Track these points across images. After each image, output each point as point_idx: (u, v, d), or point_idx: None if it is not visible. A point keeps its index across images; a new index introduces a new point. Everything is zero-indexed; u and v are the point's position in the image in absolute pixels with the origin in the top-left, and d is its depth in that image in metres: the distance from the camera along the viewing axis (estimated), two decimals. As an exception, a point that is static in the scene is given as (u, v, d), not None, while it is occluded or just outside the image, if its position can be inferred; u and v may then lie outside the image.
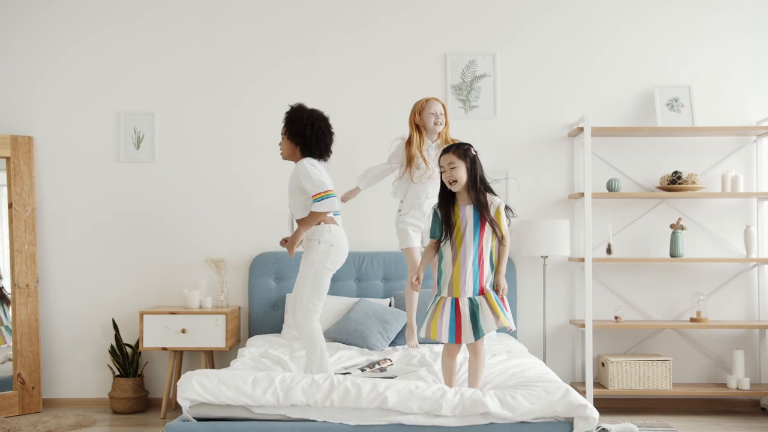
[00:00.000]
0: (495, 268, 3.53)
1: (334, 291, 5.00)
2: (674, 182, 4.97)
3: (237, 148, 5.24)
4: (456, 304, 3.45)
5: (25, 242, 5.03)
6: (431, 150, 4.20)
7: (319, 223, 3.77)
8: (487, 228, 3.49)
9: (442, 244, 3.53)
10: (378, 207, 5.09)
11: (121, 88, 5.26)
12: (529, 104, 5.24)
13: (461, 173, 3.48)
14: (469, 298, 3.44)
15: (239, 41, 5.26)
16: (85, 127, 5.26)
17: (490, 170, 5.05)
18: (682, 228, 5.00)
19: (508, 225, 3.57)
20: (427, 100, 4.23)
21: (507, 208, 3.59)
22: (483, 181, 3.53)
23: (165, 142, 5.25)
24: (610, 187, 5.04)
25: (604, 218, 5.15)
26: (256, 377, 3.26)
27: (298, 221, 3.82)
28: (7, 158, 5.03)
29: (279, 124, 5.18)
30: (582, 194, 4.96)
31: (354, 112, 5.18)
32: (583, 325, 4.90)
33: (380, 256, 5.12)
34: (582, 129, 4.96)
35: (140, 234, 5.23)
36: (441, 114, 4.21)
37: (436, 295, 3.53)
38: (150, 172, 5.25)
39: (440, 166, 3.55)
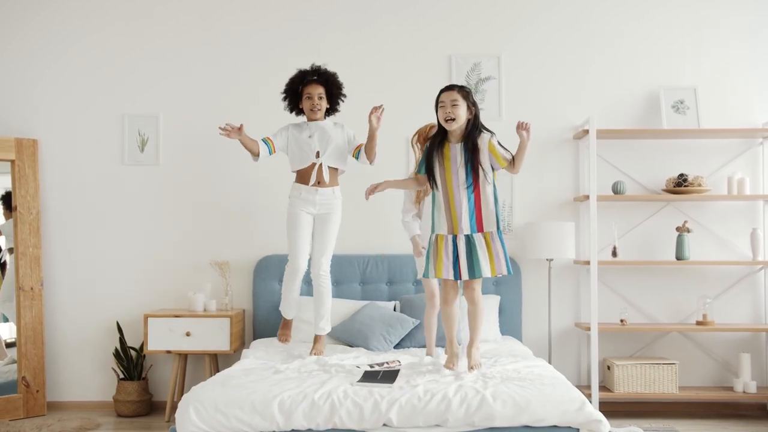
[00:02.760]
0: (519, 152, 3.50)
1: (338, 294, 4.99)
2: (680, 185, 4.96)
3: (241, 151, 5.21)
4: (455, 240, 3.44)
5: (29, 245, 5.03)
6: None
7: (338, 184, 4.16)
8: (486, 167, 3.46)
9: (432, 180, 3.54)
10: (380, 209, 5.08)
11: (126, 91, 5.26)
12: (534, 106, 5.23)
13: (461, 112, 3.47)
14: (467, 236, 3.43)
15: (244, 43, 5.26)
16: (89, 129, 5.26)
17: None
18: (688, 231, 4.98)
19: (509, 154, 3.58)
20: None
21: (499, 143, 3.59)
22: (481, 124, 3.52)
23: (169, 144, 5.25)
24: (616, 189, 5.02)
25: (609, 221, 5.14)
26: (254, 402, 3.21)
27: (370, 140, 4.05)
28: (12, 161, 5.03)
29: (282, 125, 5.21)
30: (587, 197, 4.95)
31: (358, 114, 5.15)
32: (589, 328, 4.88)
33: (385, 259, 5.10)
34: (587, 131, 4.95)
35: (145, 237, 5.22)
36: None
37: (434, 233, 3.53)
38: (154, 174, 5.24)
39: (440, 102, 3.52)
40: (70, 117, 5.26)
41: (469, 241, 3.46)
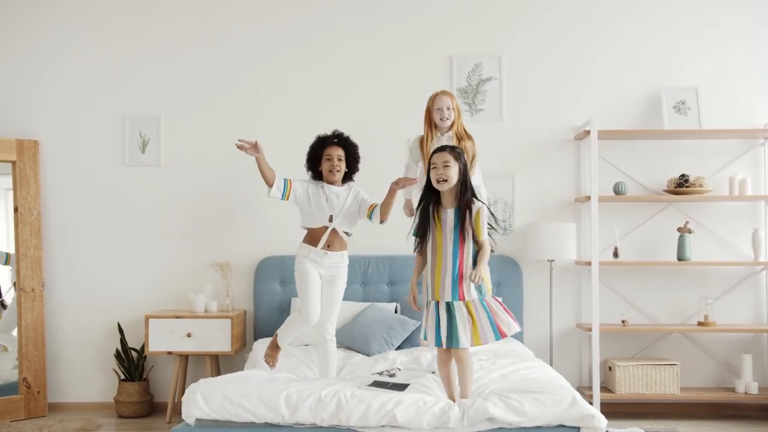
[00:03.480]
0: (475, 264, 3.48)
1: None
2: (681, 185, 4.95)
3: (242, 152, 5.22)
4: (438, 307, 3.45)
5: (30, 246, 5.03)
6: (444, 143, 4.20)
7: (346, 248, 4.14)
8: (468, 234, 3.46)
9: (424, 246, 3.54)
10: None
11: (127, 92, 5.27)
12: (535, 107, 5.22)
13: (453, 173, 3.48)
14: (447, 303, 3.43)
15: (245, 44, 5.26)
16: (90, 130, 5.26)
17: (495, 173, 5.12)
18: (690, 231, 4.98)
19: (490, 233, 3.58)
20: (435, 95, 4.28)
21: (493, 218, 3.60)
22: (471, 187, 3.52)
23: (171, 145, 5.25)
24: (617, 190, 5.02)
25: (610, 221, 5.13)
26: (261, 394, 3.23)
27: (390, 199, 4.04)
28: (13, 162, 5.03)
29: (284, 126, 5.21)
30: (588, 197, 4.94)
31: (360, 114, 5.17)
32: (590, 329, 4.88)
33: (386, 260, 5.10)
34: (588, 132, 4.94)
35: (146, 238, 5.22)
36: (448, 108, 4.24)
37: (428, 300, 3.53)
38: (156, 175, 5.24)
39: (432, 164, 3.52)
40: (71, 118, 5.26)
41: (449, 309, 3.45)
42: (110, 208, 5.24)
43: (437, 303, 3.46)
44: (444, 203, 3.53)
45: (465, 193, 3.49)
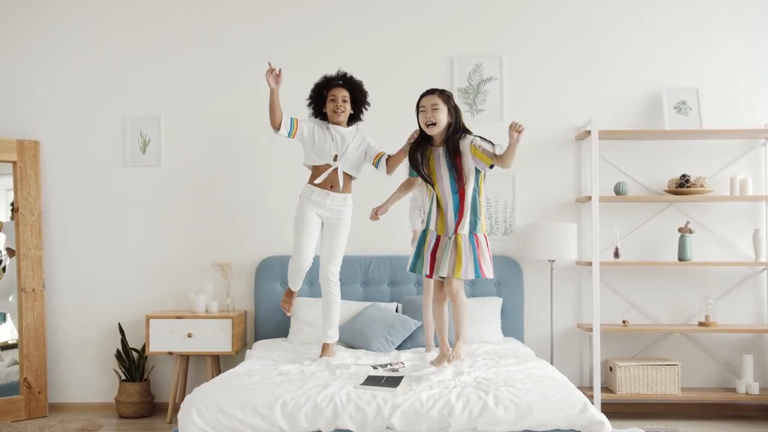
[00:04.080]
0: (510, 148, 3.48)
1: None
2: (682, 185, 4.95)
3: (243, 152, 5.23)
4: (437, 240, 3.47)
5: (31, 246, 5.03)
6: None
7: (350, 191, 4.17)
8: (467, 170, 3.47)
9: (423, 180, 3.64)
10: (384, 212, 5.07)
11: (127, 92, 5.27)
12: (536, 107, 5.22)
13: (442, 116, 3.48)
14: (449, 237, 3.47)
15: (245, 44, 5.26)
16: (91, 131, 5.26)
17: (496, 173, 5.09)
18: (691, 231, 4.98)
19: (493, 147, 3.60)
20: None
21: (483, 139, 3.59)
22: (463, 127, 3.52)
23: (171, 146, 5.25)
24: (618, 190, 5.01)
25: (611, 222, 5.13)
26: (256, 404, 3.20)
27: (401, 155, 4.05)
28: (14, 162, 5.04)
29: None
30: (589, 197, 4.94)
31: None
32: (591, 329, 4.88)
33: (387, 260, 5.10)
34: (589, 132, 4.94)
35: (146, 238, 5.22)
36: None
37: (425, 229, 3.58)
38: (156, 176, 5.24)
39: (420, 107, 3.53)
40: (72, 118, 5.26)
41: (448, 241, 3.50)
42: (111, 209, 5.24)
43: (437, 236, 3.50)
44: (434, 143, 3.55)
45: (454, 135, 3.49)
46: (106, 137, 5.26)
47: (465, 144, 3.52)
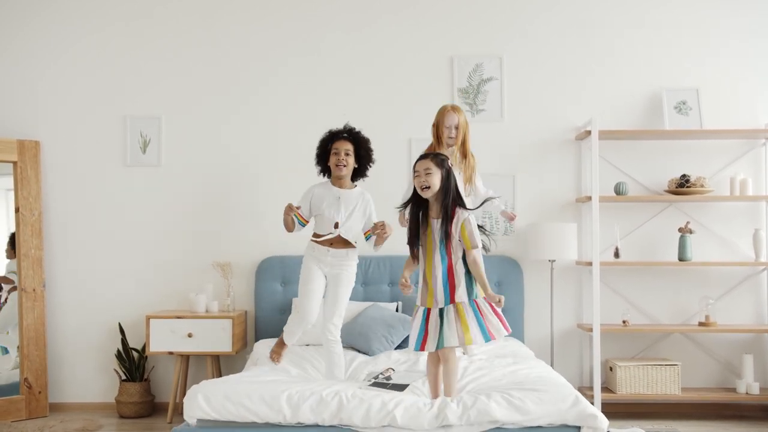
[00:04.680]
0: (479, 283, 3.51)
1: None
2: (682, 185, 4.95)
3: (243, 152, 5.24)
4: (427, 313, 3.47)
5: (31, 246, 5.04)
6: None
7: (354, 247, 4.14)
8: (455, 242, 3.49)
9: (416, 251, 3.59)
10: (384, 211, 5.07)
11: (127, 92, 5.27)
12: (536, 107, 5.22)
13: (435, 180, 3.49)
14: (440, 309, 3.46)
15: (246, 44, 5.26)
16: (91, 131, 5.26)
17: (497, 173, 5.12)
18: (691, 231, 4.98)
19: (483, 235, 3.60)
20: (446, 111, 4.20)
21: (481, 227, 3.61)
22: (456, 194, 3.52)
23: (171, 146, 5.25)
24: (618, 190, 5.02)
25: (611, 222, 5.13)
26: (262, 394, 3.23)
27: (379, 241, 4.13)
28: (14, 163, 5.04)
29: (285, 127, 5.20)
30: (589, 198, 4.94)
31: (361, 114, 5.15)
32: (591, 329, 4.88)
33: (387, 261, 5.11)
34: (589, 132, 4.94)
35: (147, 238, 5.23)
36: (455, 127, 4.18)
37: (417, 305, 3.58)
38: (156, 176, 5.25)
39: (415, 171, 3.55)
40: (72, 119, 5.26)
41: (441, 314, 3.48)
42: (111, 209, 5.24)
43: (426, 310, 3.49)
44: (431, 213, 3.55)
45: (446, 199, 3.50)
46: (106, 137, 5.26)
47: (458, 217, 3.51)
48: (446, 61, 5.24)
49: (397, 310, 4.87)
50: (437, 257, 3.49)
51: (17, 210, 5.01)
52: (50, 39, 5.28)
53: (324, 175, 4.27)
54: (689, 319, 5.16)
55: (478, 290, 3.50)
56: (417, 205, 3.59)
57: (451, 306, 3.45)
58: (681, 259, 4.97)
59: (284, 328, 4.27)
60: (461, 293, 3.47)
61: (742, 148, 5.19)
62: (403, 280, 3.59)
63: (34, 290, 5.03)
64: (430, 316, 3.48)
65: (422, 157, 3.58)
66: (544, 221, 5.14)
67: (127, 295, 5.21)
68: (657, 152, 5.20)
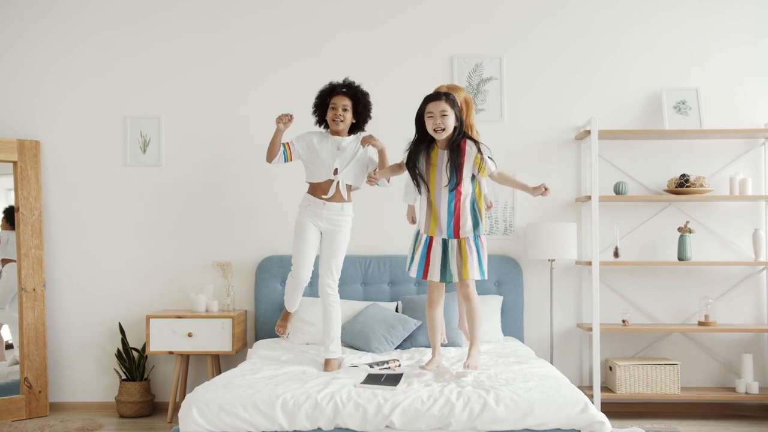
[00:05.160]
0: (521, 188, 3.69)
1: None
2: (682, 185, 4.95)
3: (243, 152, 5.24)
4: (430, 241, 3.50)
5: (32, 246, 5.04)
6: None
7: (350, 200, 4.10)
8: (466, 173, 3.51)
9: (416, 183, 3.65)
10: (384, 210, 5.08)
11: (128, 92, 5.27)
12: (535, 107, 5.23)
13: (450, 122, 3.54)
14: (443, 239, 3.49)
15: (245, 44, 5.26)
16: (91, 131, 5.26)
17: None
18: (690, 231, 4.98)
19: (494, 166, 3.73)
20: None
21: (489, 157, 3.68)
22: (468, 130, 3.59)
23: (171, 145, 5.25)
24: (618, 190, 5.02)
25: (611, 221, 5.13)
26: (256, 402, 3.21)
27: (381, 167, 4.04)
28: (14, 162, 5.04)
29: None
30: (589, 197, 4.95)
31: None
32: (591, 329, 4.88)
33: (387, 260, 5.11)
34: (589, 132, 4.95)
35: (147, 238, 5.23)
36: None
37: (417, 231, 3.60)
38: (157, 175, 5.25)
39: (428, 113, 3.56)
40: (73, 118, 5.27)
41: (445, 245, 3.52)
42: (111, 208, 5.24)
43: (429, 238, 3.52)
44: (438, 144, 3.59)
45: (456, 135, 3.54)
46: (106, 137, 5.26)
47: (471, 150, 3.57)
48: (446, 61, 5.25)
49: (396, 310, 4.87)
50: (444, 190, 3.52)
51: (17, 210, 5.01)
52: (50, 39, 5.28)
53: (320, 126, 4.21)
54: (689, 319, 5.16)
55: (482, 227, 3.57)
56: (423, 138, 3.63)
57: (455, 240, 3.49)
58: (680, 258, 4.98)
59: (284, 298, 4.27)
60: (468, 229, 3.54)
61: (742, 147, 5.20)
62: (374, 174, 3.73)
63: (34, 290, 5.03)
64: (433, 245, 3.52)
65: (434, 97, 3.59)
66: (544, 221, 5.14)
67: (127, 295, 5.21)
68: (656, 152, 5.21)
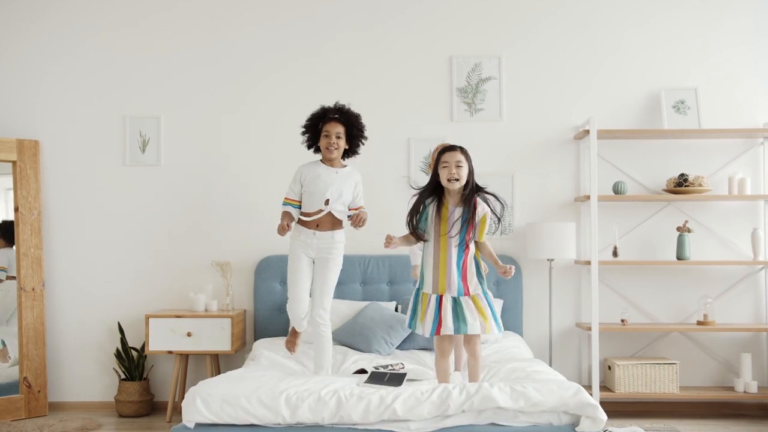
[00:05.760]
0: (492, 262, 3.66)
1: (339, 295, 5.00)
2: (681, 185, 4.96)
3: (243, 151, 5.24)
4: (440, 300, 3.49)
5: (31, 246, 5.04)
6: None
7: (340, 227, 4.06)
8: (473, 233, 3.53)
9: (424, 241, 3.60)
10: (383, 209, 5.09)
11: (127, 92, 5.27)
12: (534, 107, 5.23)
13: (464, 173, 3.53)
14: (453, 298, 3.49)
15: (245, 44, 5.26)
16: (90, 130, 5.26)
17: (495, 173, 5.13)
18: (689, 230, 4.99)
19: (492, 231, 3.73)
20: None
21: (498, 217, 3.63)
22: (476, 184, 3.57)
23: (171, 145, 5.25)
24: (617, 189, 5.02)
25: (610, 221, 5.14)
26: (260, 395, 3.23)
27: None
28: (14, 162, 5.04)
29: (284, 127, 5.20)
30: (588, 197, 4.95)
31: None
32: (590, 328, 4.89)
33: (386, 260, 5.11)
34: (588, 131, 4.95)
35: (146, 237, 5.23)
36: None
37: (418, 289, 3.59)
38: (156, 175, 5.25)
39: (443, 162, 3.55)
40: (72, 118, 5.27)
41: (456, 302, 3.51)
42: (110, 208, 5.24)
43: (439, 297, 3.51)
44: (448, 201, 3.56)
45: (470, 192, 3.54)
46: (105, 137, 5.26)
47: (480, 210, 3.56)
48: (445, 60, 5.25)
49: (396, 310, 4.87)
50: (454, 247, 3.52)
51: (16, 209, 5.01)
52: (50, 39, 5.28)
53: (310, 149, 4.15)
54: (688, 318, 5.16)
55: (485, 284, 3.59)
56: (432, 194, 3.60)
57: (467, 297, 3.50)
58: (679, 258, 4.98)
59: (291, 321, 4.24)
60: (475, 285, 3.55)
61: (741, 147, 5.20)
62: (391, 238, 3.63)
63: (33, 289, 5.03)
64: (443, 303, 3.50)
65: (449, 148, 3.58)
66: (543, 220, 5.15)
67: (127, 295, 5.21)
68: (655, 151, 5.21)
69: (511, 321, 5.04)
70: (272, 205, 5.15)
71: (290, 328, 4.27)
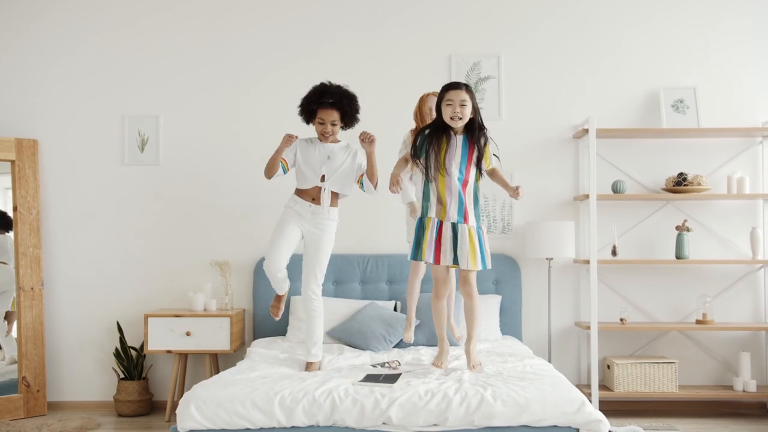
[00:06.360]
0: (503, 186, 3.72)
1: (339, 294, 5.00)
2: (680, 184, 4.96)
3: (242, 151, 5.24)
4: (440, 226, 3.50)
5: (29, 245, 5.04)
6: None
7: (336, 206, 4.03)
8: (473, 160, 3.56)
9: (425, 167, 3.61)
10: (383, 209, 5.09)
11: (126, 91, 5.27)
12: (533, 106, 5.23)
13: (468, 112, 3.57)
14: (453, 223, 3.51)
15: (244, 43, 5.27)
16: (89, 130, 5.26)
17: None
18: (688, 230, 4.99)
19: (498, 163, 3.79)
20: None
21: (494, 154, 3.72)
22: (481, 120, 3.65)
23: (170, 145, 5.25)
24: (616, 188, 5.03)
25: (609, 220, 5.14)
26: (254, 399, 3.22)
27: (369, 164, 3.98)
28: (12, 161, 5.04)
29: (284, 126, 5.20)
30: (587, 196, 4.95)
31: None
32: (589, 327, 4.89)
33: (385, 259, 5.11)
34: (587, 131, 4.95)
35: (145, 237, 5.23)
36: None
37: (422, 217, 3.63)
38: (155, 175, 5.25)
39: (447, 100, 3.56)
40: (71, 117, 5.27)
41: (455, 230, 3.54)
42: (109, 207, 5.24)
43: (439, 222, 3.53)
44: (454, 132, 3.63)
45: (474, 125, 3.61)
46: (104, 136, 5.26)
47: (483, 140, 3.62)
48: (444, 59, 5.25)
49: (395, 309, 4.87)
50: (455, 174, 3.55)
51: (15, 209, 5.01)
52: (49, 38, 5.28)
53: (307, 124, 4.11)
54: (687, 317, 5.17)
55: (482, 218, 3.64)
56: (437, 125, 3.64)
57: (464, 226, 3.52)
58: (678, 257, 4.98)
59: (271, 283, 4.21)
60: (473, 218, 3.58)
61: (740, 146, 5.21)
62: (396, 179, 3.63)
63: (32, 289, 5.03)
64: (443, 230, 3.52)
65: (454, 86, 3.60)
66: (542, 219, 5.15)
67: (126, 294, 5.21)
68: (654, 151, 5.22)
69: (510, 320, 5.04)
70: (271, 205, 5.15)
71: (275, 295, 4.26)
